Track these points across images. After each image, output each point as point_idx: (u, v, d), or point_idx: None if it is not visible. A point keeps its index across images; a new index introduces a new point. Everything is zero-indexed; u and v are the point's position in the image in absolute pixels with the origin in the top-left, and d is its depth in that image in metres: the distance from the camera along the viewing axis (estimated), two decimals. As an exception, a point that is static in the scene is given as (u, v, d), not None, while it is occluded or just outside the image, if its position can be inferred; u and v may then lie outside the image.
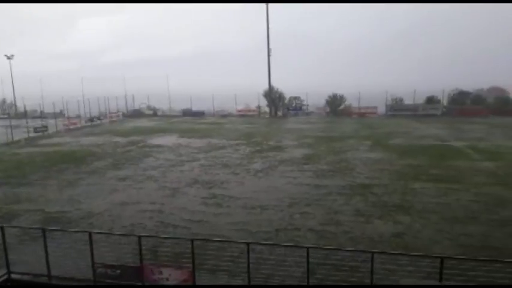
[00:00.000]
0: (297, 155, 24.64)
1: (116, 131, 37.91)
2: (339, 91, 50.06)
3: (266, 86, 50.73)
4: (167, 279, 9.42)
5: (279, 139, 31.01)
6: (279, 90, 50.80)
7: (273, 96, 50.35)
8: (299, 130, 36.12)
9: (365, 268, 8.48)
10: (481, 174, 18.93)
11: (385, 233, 12.32)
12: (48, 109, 51.93)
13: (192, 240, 9.22)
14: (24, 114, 51.68)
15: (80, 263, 9.88)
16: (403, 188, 16.95)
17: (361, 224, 13.16)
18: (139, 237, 9.65)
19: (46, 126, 37.93)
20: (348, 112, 47.94)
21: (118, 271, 9.70)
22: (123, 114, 52.62)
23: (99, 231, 12.04)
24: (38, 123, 39.54)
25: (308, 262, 8.60)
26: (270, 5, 49.20)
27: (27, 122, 38.80)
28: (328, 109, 49.85)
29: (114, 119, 48.95)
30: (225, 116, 50.45)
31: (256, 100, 51.10)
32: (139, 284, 9.54)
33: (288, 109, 50.88)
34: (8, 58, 56.60)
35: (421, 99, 47.37)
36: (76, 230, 12.19)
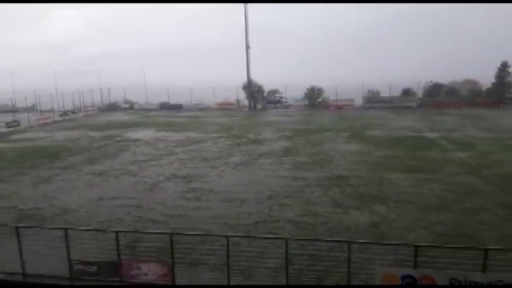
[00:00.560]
0: (276, 147, 24.76)
1: (91, 125, 37.13)
2: (317, 84, 50.72)
3: (245, 80, 50.74)
4: (146, 274, 9.34)
5: (258, 132, 31.06)
6: (258, 83, 50.89)
7: (252, 89, 50.34)
8: (278, 123, 36.27)
9: (342, 258, 8.64)
10: (454, 164, 19.51)
11: (361, 223, 12.56)
12: (20, 103, 50.46)
13: (171, 234, 9.17)
14: (-5, 109, 50.05)
15: (55, 260, 9.67)
16: (379, 179, 17.29)
17: (339, 214, 13.38)
18: (117, 232, 9.53)
19: (18, 121, 36.90)
20: (325, 105, 48.48)
21: (95, 267, 9.57)
22: (99, 108, 51.58)
23: (74, 227, 11.79)
24: (10, 118, 38.37)
25: (287, 253, 8.72)
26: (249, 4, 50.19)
27: (-3, 117, 37.62)
28: (306, 102, 50.27)
29: (89, 113, 47.92)
30: (203, 109, 50.12)
31: (236, 93, 50.99)
32: (117, 279, 9.44)
33: (267, 102, 51.01)
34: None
35: (397, 92, 48.34)
36: (51, 227, 11.91)
